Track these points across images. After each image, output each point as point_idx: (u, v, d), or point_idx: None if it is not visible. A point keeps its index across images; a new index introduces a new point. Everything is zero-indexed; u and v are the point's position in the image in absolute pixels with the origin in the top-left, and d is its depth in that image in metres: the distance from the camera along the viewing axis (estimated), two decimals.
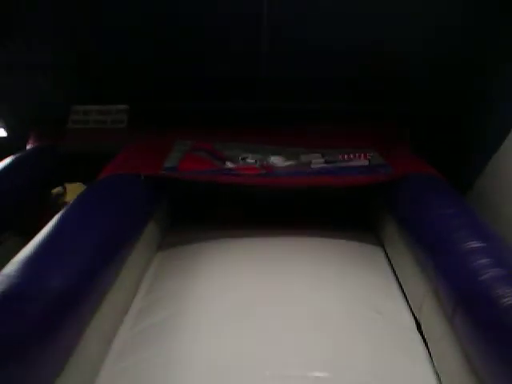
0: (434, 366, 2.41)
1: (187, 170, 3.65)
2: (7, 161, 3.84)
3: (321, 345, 2.47)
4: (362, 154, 3.87)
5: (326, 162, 3.80)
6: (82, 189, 3.58)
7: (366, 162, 3.80)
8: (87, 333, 2.33)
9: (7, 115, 4.81)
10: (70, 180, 4.16)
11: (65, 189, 4.03)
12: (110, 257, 2.67)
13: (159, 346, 2.49)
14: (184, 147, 4.05)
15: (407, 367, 2.41)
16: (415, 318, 2.78)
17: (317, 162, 3.80)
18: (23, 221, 3.67)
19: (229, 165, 3.75)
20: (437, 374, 2.36)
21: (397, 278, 3.20)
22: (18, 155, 4.03)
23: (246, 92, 4.45)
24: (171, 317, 2.71)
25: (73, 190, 3.88)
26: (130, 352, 2.50)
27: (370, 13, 3.79)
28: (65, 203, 3.69)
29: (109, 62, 4.39)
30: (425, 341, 2.59)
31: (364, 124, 4.52)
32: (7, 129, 4.87)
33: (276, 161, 3.83)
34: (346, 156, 3.85)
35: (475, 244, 2.38)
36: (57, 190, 4.03)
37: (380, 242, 3.71)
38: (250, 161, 3.83)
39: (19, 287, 2.01)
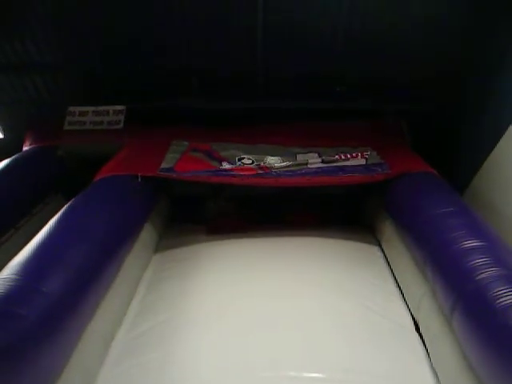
0: (431, 364, 2.42)
1: (184, 170, 3.64)
2: (5, 162, 3.83)
3: (317, 345, 2.48)
4: (359, 153, 3.85)
5: (322, 161, 3.78)
6: None
7: (363, 161, 3.77)
8: (85, 336, 2.34)
9: (4, 117, 4.80)
10: (67, 181, 4.16)
11: None
12: (107, 259, 2.67)
13: (157, 350, 2.48)
14: (181, 147, 4.03)
15: (405, 366, 2.41)
16: (413, 317, 2.79)
17: (314, 161, 3.78)
18: None
19: (225, 165, 3.74)
20: (435, 372, 2.37)
21: (394, 278, 3.20)
22: (15, 157, 4.02)
23: (243, 91, 4.44)
24: (168, 320, 2.70)
25: None
26: (128, 355, 2.50)
27: (372, 13, 3.82)
28: None
29: (107, 63, 4.37)
30: (423, 340, 2.59)
31: (361, 121, 4.49)
32: (4, 130, 4.86)
33: (273, 161, 3.81)
34: (342, 155, 3.84)
35: (473, 243, 2.38)
36: None
37: (377, 242, 3.71)
38: (246, 161, 3.82)
39: (17, 291, 2.01)
